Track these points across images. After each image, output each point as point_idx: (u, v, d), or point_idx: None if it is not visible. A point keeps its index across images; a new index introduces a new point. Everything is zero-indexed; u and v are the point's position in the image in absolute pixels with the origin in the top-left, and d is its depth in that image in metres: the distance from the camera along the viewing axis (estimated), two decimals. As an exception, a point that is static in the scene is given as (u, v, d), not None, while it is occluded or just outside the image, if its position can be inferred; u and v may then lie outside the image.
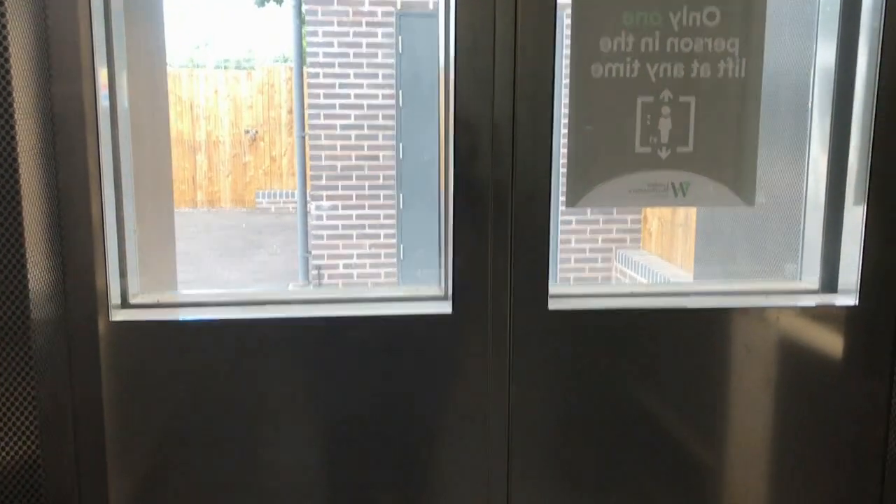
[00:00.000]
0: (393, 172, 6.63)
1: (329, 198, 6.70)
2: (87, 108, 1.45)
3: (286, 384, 1.60)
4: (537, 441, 1.66)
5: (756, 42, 1.58)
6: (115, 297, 1.56)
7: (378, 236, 6.68)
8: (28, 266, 1.36)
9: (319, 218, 6.74)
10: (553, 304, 1.62)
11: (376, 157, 6.66)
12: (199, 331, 1.57)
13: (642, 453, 1.69)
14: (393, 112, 6.55)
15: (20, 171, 1.33)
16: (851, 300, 1.69)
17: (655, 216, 6.44)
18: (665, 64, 1.56)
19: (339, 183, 6.65)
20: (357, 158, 6.66)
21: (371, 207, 6.67)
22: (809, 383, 1.71)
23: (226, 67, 12.92)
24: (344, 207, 6.68)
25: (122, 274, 1.58)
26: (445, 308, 1.62)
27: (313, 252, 6.80)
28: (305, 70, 6.85)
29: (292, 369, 1.60)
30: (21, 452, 1.41)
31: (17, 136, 1.31)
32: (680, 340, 1.66)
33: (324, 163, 6.71)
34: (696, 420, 1.70)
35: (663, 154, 1.58)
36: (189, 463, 1.60)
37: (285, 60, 12.15)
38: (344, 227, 6.69)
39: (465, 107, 1.54)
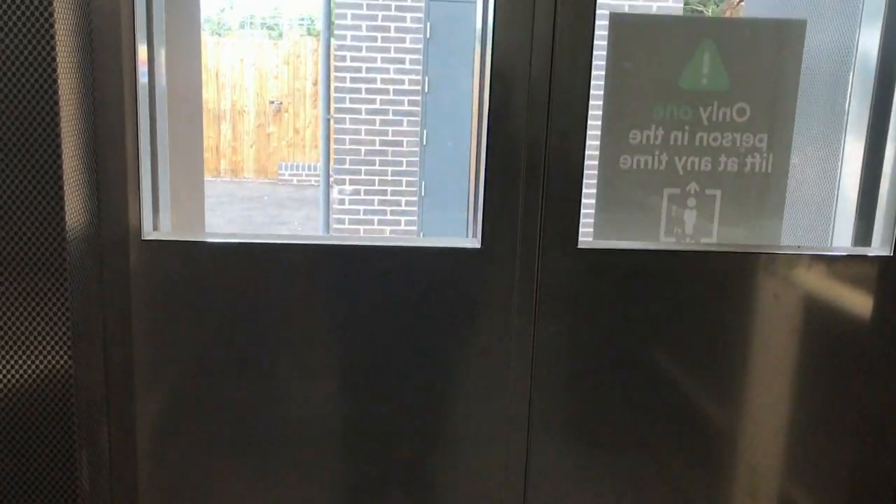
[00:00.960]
0: (416, 159, 6.65)
1: (352, 182, 6.74)
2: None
3: (311, 309, 1.64)
4: (559, 379, 1.69)
5: (784, 138, 1.61)
6: (147, 227, 1.61)
7: (399, 223, 6.72)
8: (65, 196, 1.40)
9: (342, 202, 6.78)
10: (583, 244, 1.64)
11: (400, 143, 6.68)
12: (227, 252, 1.61)
13: (663, 395, 1.71)
14: (418, 98, 6.55)
15: (61, 114, 1.37)
16: (887, 251, 1.70)
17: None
18: (693, 157, 1.59)
19: (363, 168, 6.69)
20: (381, 144, 6.68)
21: (393, 194, 6.71)
22: (837, 336, 1.72)
23: (251, 24, 12.86)
24: (366, 192, 6.73)
25: (155, 210, 1.63)
26: (474, 242, 1.65)
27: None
28: (333, 45, 6.85)
29: (318, 294, 1.64)
30: (55, 363, 1.45)
31: (59, 91, 1.36)
32: (708, 283, 1.67)
33: (348, 146, 6.74)
34: (719, 366, 1.72)
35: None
36: (212, 381, 1.64)
37: (311, 22, 12.07)
38: (366, 211, 6.74)
39: (502, 58, 1.56)
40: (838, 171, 1.78)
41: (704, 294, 1.69)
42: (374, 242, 1.65)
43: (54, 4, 1.33)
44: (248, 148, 10.74)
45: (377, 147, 6.73)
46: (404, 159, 6.73)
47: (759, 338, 1.71)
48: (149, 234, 1.61)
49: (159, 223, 1.66)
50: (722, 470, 1.77)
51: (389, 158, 6.71)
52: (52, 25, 1.33)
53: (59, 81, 1.37)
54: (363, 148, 6.76)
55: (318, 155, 7.67)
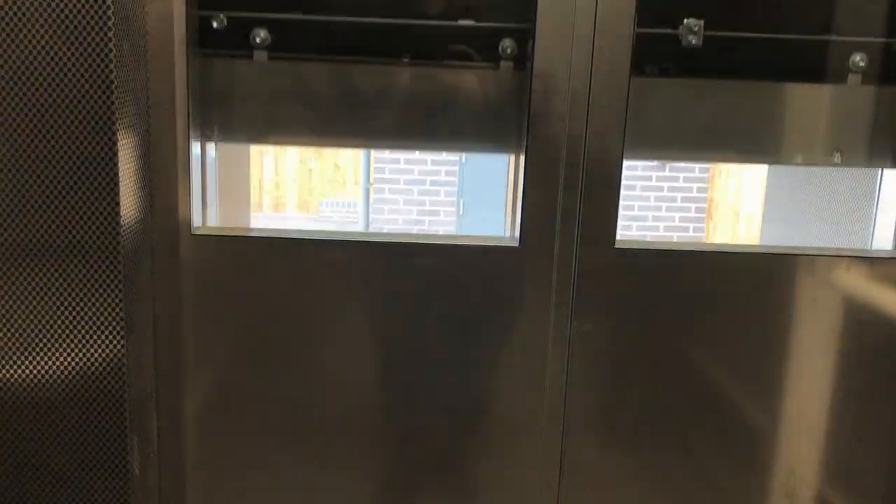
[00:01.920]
0: (453, 229, 6.98)
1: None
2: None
3: (353, 303, 1.69)
4: (595, 376, 1.71)
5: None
6: (196, 221, 1.66)
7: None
8: (120, 190, 1.46)
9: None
10: (620, 242, 1.67)
11: (437, 213, 6.92)
12: (273, 246, 1.67)
13: (700, 395, 1.73)
14: (456, 168, 6.79)
15: (116, 112, 1.43)
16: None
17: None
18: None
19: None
20: (419, 214, 6.93)
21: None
22: (877, 339, 1.72)
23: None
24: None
25: (203, 205, 1.69)
26: (513, 240, 1.68)
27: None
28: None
29: (360, 289, 1.68)
30: (108, 352, 1.51)
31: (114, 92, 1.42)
32: (748, 283, 1.69)
33: (386, 216, 6.99)
34: (758, 366, 1.73)
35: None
36: (257, 372, 1.69)
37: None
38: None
39: (544, 58, 1.59)
40: (880, 170, 1.77)
41: (743, 294, 1.70)
42: (415, 239, 1.69)
43: (111, 9, 1.39)
44: (291, 183, 10.84)
45: (415, 217, 6.98)
46: (440, 229, 6.99)
47: (799, 339, 1.72)
48: (198, 227, 1.67)
49: (207, 217, 1.72)
50: (760, 472, 1.78)
51: (427, 228, 7.21)
52: (109, 29, 1.39)
53: (114, 81, 1.43)
54: (400, 217, 7.02)
55: (359, 193, 7.88)
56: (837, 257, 1.70)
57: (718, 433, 1.75)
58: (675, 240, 7.04)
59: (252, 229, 1.70)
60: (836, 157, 1.77)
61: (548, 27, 1.58)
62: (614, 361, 1.72)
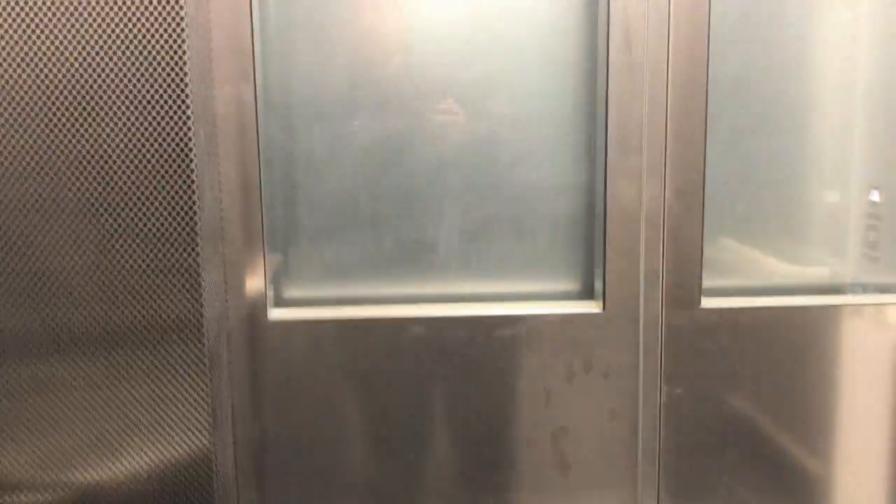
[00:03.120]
0: None
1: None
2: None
3: (437, 379, 1.64)
4: (688, 441, 1.67)
5: None
6: (271, 305, 1.63)
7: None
8: (202, 271, 1.45)
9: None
10: (706, 303, 1.64)
11: None
12: (351, 327, 1.63)
13: (794, 458, 1.69)
14: None
15: (195, 197, 1.41)
16: None
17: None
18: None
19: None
20: None
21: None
22: None
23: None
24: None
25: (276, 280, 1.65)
26: (596, 307, 1.65)
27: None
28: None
29: (445, 365, 1.64)
30: (196, 447, 1.48)
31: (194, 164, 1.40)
32: (836, 338, 1.67)
33: None
34: (859, 423, 1.69)
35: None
36: (338, 463, 1.65)
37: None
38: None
39: (618, 102, 1.57)
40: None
41: (834, 349, 1.66)
42: (497, 311, 1.65)
43: (189, 98, 1.37)
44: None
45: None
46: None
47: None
48: (274, 312, 1.63)
49: (282, 297, 1.68)
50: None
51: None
52: (189, 118, 1.37)
53: (194, 170, 1.40)
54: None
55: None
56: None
57: (815, 495, 1.70)
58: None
59: (329, 308, 1.66)
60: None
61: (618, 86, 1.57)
62: (706, 426, 1.67)
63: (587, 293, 1.70)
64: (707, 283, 1.64)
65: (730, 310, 1.65)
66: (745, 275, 1.75)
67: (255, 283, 1.59)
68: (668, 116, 1.57)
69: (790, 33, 1.71)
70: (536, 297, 1.71)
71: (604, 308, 1.63)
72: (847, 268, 1.85)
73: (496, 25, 1.63)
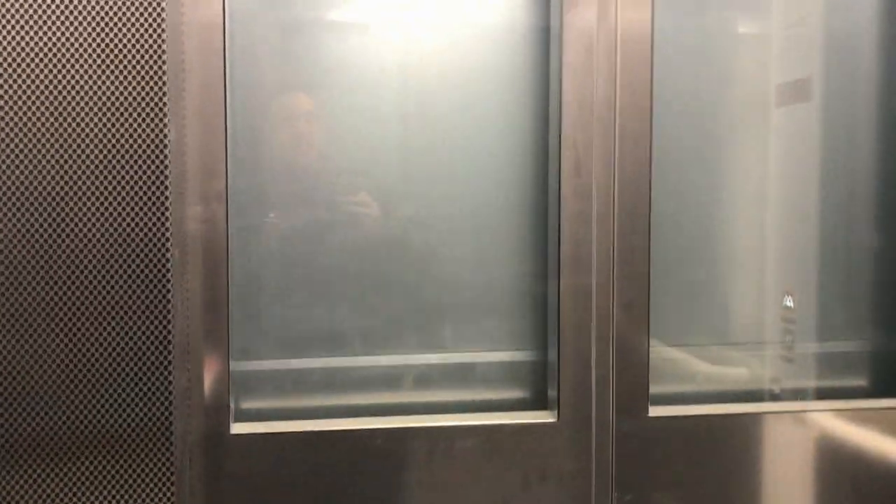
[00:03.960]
0: None
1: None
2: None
3: (399, 494, 1.67)
4: None
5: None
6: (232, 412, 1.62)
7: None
8: (172, 385, 1.45)
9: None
10: (653, 411, 1.72)
11: None
12: (313, 440, 1.64)
13: None
14: None
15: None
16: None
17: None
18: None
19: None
20: None
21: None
22: None
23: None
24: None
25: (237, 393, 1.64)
26: (550, 417, 1.71)
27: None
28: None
29: (404, 478, 1.67)
30: None
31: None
32: (789, 445, 1.77)
33: None
34: None
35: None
36: None
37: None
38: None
39: (566, 227, 1.68)
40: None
41: (779, 454, 1.77)
42: (456, 422, 1.70)
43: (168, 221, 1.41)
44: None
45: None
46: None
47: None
48: (236, 426, 1.63)
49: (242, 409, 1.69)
50: None
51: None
52: (167, 240, 1.41)
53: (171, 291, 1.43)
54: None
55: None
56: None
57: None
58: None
59: (296, 423, 1.67)
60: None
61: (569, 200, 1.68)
62: (657, 530, 1.74)
63: (540, 402, 1.78)
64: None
65: (677, 417, 1.75)
66: (681, 379, 1.87)
67: (218, 397, 1.60)
68: (615, 238, 1.69)
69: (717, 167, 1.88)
70: (491, 406, 1.78)
71: (558, 417, 1.70)
72: (766, 370, 1.98)
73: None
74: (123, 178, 1.40)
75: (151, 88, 1.39)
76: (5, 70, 1.36)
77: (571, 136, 1.68)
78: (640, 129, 1.69)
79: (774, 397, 1.94)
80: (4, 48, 1.36)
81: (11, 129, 1.36)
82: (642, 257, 1.70)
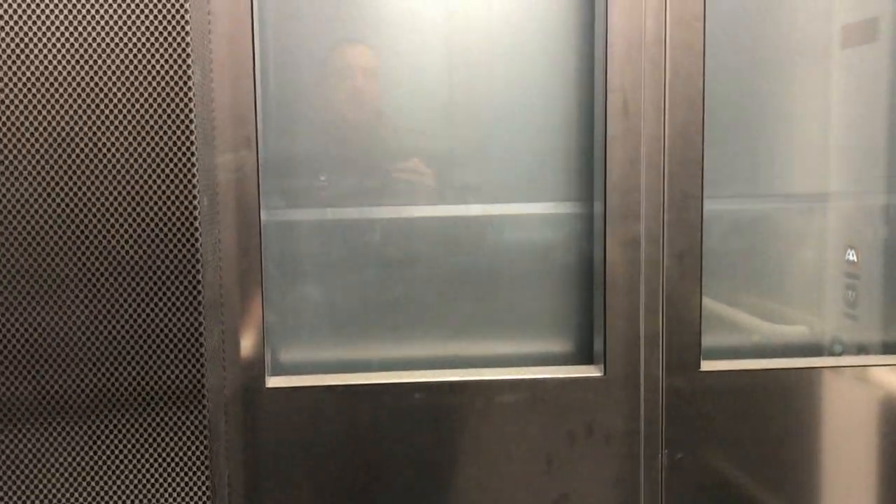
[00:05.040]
0: None
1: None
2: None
3: (438, 446, 1.62)
4: None
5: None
6: (268, 365, 1.60)
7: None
8: (203, 339, 1.42)
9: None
10: (706, 365, 1.64)
11: None
12: (350, 394, 1.61)
13: None
14: None
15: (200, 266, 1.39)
16: None
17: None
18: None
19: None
20: None
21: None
22: None
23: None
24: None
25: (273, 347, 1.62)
26: (596, 371, 1.64)
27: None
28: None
29: (444, 431, 1.62)
30: None
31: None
32: (840, 399, 1.68)
33: None
34: (853, 488, 1.70)
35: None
36: None
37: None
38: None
39: (615, 183, 1.59)
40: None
41: (838, 412, 1.67)
42: (498, 376, 1.64)
43: (195, 167, 1.36)
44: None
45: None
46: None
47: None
48: (272, 380, 1.60)
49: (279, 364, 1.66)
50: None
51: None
52: (194, 186, 1.36)
53: (199, 246, 1.39)
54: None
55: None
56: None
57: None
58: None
59: (329, 377, 1.63)
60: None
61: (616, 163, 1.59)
62: (709, 490, 1.67)
63: (586, 356, 1.71)
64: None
65: (728, 372, 1.66)
66: (733, 335, 1.78)
67: (253, 351, 1.56)
68: (664, 182, 1.60)
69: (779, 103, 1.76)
70: (534, 359, 1.71)
71: (605, 372, 1.63)
72: (827, 326, 1.88)
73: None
74: (148, 123, 1.35)
75: (173, 24, 1.33)
76: (35, 32, 1.31)
77: (619, 76, 1.58)
78: (692, 68, 1.59)
79: (834, 354, 1.84)
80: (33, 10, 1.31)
81: (37, 89, 1.32)
82: (695, 205, 1.60)
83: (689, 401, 1.64)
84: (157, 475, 1.44)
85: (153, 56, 1.34)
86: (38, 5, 1.32)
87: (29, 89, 1.32)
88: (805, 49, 1.78)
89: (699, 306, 1.62)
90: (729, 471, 1.67)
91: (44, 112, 1.33)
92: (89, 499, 1.43)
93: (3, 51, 1.31)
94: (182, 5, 1.33)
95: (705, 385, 1.64)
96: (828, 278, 1.86)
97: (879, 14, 1.81)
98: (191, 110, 1.33)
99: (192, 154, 1.34)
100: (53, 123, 1.33)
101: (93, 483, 1.43)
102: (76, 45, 1.34)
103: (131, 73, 1.34)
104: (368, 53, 1.65)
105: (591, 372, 1.65)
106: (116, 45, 1.34)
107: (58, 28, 1.33)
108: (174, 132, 1.35)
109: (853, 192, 1.83)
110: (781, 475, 1.68)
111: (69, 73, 1.33)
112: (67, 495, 1.44)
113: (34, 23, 1.31)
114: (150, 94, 1.35)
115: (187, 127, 1.34)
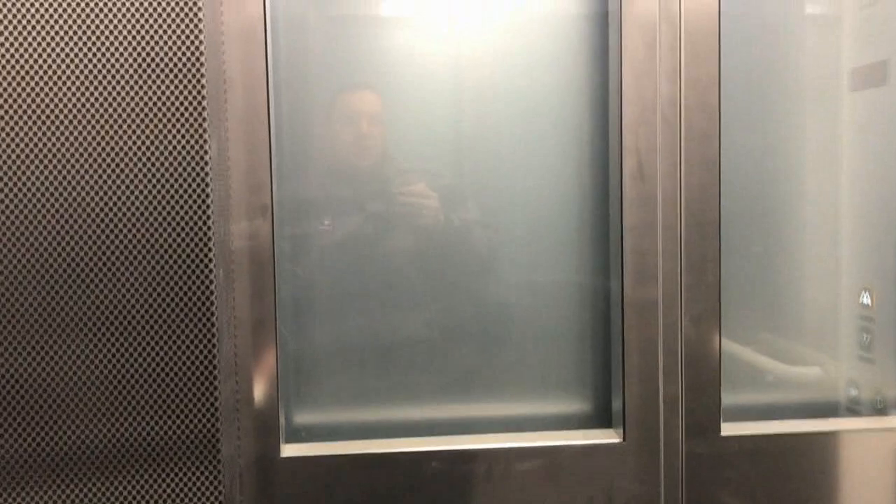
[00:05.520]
0: None
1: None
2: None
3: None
4: None
5: None
6: (283, 433, 1.57)
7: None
8: (218, 406, 1.40)
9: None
10: (726, 429, 1.62)
11: None
12: (363, 463, 1.58)
13: None
14: None
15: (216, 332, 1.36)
16: None
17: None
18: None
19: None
20: None
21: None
22: None
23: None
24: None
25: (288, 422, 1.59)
26: (615, 437, 1.62)
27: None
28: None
29: (457, 501, 1.59)
30: None
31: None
32: (867, 459, 1.65)
33: None
34: None
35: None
36: None
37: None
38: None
39: (632, 249, 1.57)
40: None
41: (864, 472, 1.65)
42: (516, 443, 1.61)
43: (212, 241, 1.34)
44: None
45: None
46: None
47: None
48: (287, 450, 1.57)
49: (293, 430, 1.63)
50: None
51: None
52: (210, 259, 1.34)
53: (214, 311, 1.37)
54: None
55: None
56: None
57: None
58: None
59: (345, 444, 1.61)
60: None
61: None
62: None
63: (604, 420, 1.68)
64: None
65: (750, 437, 1.64)
66: (752, 382, 1.76)
67: (267, 419, 1.54)
68: (682, 245, 1.59)
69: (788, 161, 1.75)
70: (553, 420, 1.69)
71: (624, 437, 1.60)
72: (842, 372, 1.86)
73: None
74: (163, 193, 1.34)
75: (190, 100, 1.32)
76: (37, 84, 1.30)
77: (633, 137, 1.57)
78: (708, 128, 1.58)
79: (853, 402, 1.82)
80: (36, 62, 1.30)
81: (46, 146, 1.31)
82: (712, 267, 1.59)
83: (710, 466, 1.61)
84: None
85: (170, 131, 1.33)
86: (49, 88, 1.31)
87: (40, 173, 1.31)
88: (817, 94, 1.78)
89: (718, 369, 1.60)
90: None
91: (59, 177, 1.32)
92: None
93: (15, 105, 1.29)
94: (199, 67, 1.33)
95: (726, 450, 1.61)
96: (841, 321, 1.85)
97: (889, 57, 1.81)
98: (207, 184, 1.32)
99: (209, 228, 1.33)
100: (74, 194, 1.32)
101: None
102: (91, 120, 1.33)
103: (148, 147, 1.33)
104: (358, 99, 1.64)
105: (611, 437, 1.63)
106: (133, 121, 1.33)
107: (75, 115, 1.33)
108: (191, 205, 1.34)
109: (866, 235, 1.82)
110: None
111: (81, 143, 1.32)
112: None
113: (44, 110, 1.31)
114: (167, 167, 1.34)
115: (203, 201, 1.33)
